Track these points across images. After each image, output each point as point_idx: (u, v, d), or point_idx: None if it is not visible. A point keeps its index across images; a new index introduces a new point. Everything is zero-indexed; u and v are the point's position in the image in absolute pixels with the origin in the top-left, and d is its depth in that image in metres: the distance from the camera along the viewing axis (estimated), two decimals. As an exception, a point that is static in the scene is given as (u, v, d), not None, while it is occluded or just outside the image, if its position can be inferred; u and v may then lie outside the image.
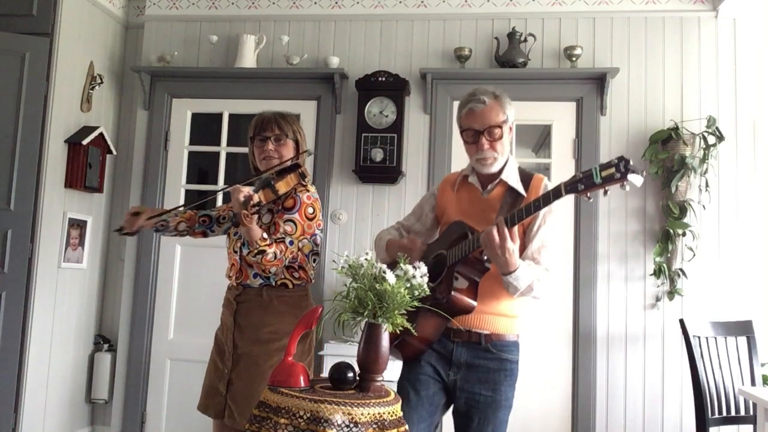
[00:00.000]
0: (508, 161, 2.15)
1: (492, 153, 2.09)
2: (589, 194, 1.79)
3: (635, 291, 3.60)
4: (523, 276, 1.94)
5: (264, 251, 2.20)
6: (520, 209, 1.90)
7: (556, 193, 1.84)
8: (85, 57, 3.99)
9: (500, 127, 2.09)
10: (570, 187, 1.81)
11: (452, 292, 1.97)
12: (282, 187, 2.26)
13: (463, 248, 1.99)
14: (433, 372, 2.11)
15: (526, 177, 2.15)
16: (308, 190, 2.35)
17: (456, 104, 3.80)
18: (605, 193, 1.77)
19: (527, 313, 2.20)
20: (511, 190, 2.11)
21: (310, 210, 2.32)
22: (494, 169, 2.12)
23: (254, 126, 2.42)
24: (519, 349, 2.17)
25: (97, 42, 4.11)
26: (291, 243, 2.27)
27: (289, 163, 2.37)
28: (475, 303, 2.02)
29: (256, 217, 2.22)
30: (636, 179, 1.72)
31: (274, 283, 2.33)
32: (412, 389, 2.09)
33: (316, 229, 2.36)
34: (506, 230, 1.87)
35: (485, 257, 1.97)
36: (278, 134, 2.38)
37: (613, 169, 1.73)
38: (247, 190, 2.17)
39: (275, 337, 2.30)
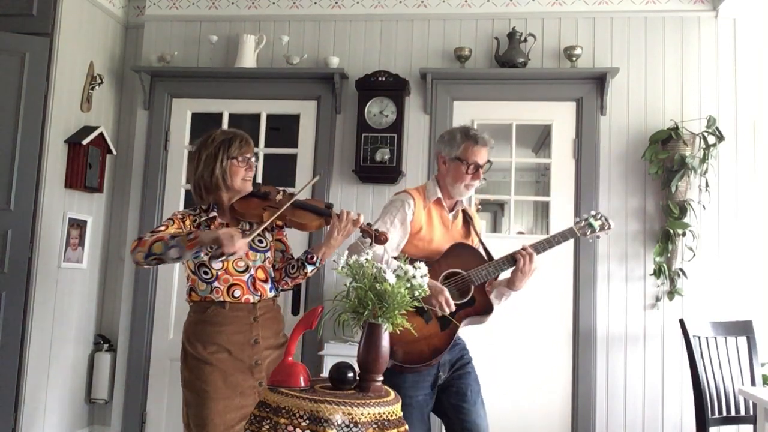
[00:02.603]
0: None
1: (478, 184, 2.50)
2: (589, 237, 2.51)
3: (635, 291, 3.60)
4: None
5: None
6: (542, 242, 2.43)
7: (572, 233, 2.47)
8: (85, 57, 3.99)
9: (489, 164, 2.52)
10: (582, 231, 2.49)
11: (493, 308, 2.42)
12: None
13: (490, 268, 2.40)
14: (428, 386, 2.38)
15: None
16: None
17: (456, 104, 3.87)
18: (599, 237, 2.55)
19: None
20: (466, 216, 2.58)
21: None
22: (467, 197, 2.58)
23: (237, 144, 2.36)
24: None
25: (97, 42, 4.11)
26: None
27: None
28: None
29: None
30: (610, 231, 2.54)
31: (278, 294, 2.46)
32: (417, 409, 2.34)
33: None
34: None
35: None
36: (255, 156, 2.47)
37: (601, 221, 2.51)
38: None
39: (285, 339, 2.44)
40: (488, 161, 2.49)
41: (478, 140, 2.45)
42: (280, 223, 2.43)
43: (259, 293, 2.34)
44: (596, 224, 2.48)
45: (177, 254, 2.15)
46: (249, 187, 2.40)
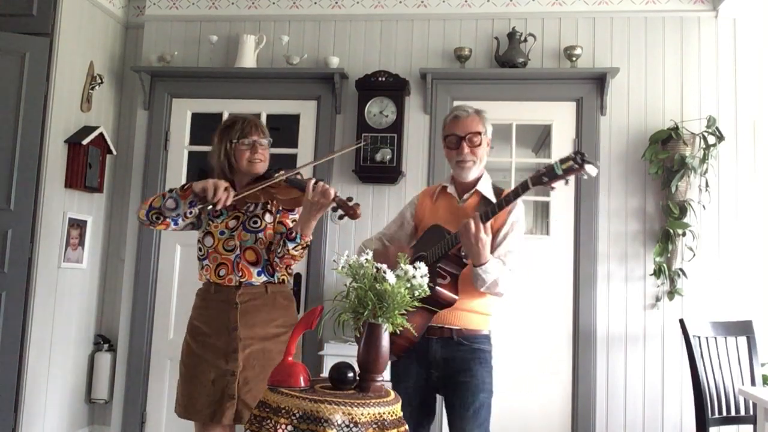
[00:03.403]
0: (483, 175, 2.41)
1: (471, 157, 2.34)
2: (553, 185, 2.02)
3: (635, 291, 3.60)
4: (492, 269, 2.16)
5: (308, 245, 2.34)
6: (493, 205, 2.16)
7: (524, 187, 2.06)
8: (85, 57, 3.99)
9: (479, 134, 2.35)
10: (536, 179, 2.05)
11: (436, 287, 2.11)
12: None
13: (442, 246, 2.19)
14: (418, 379, 2.30)
15: (497, 190, 2.40)
16: None
17: (456, 104, 3.85)
18: (566, 182, 2.02)
19: (499, 312, 2.39)
20: (485, 199, 2.36)
21: None
22: (472, 175, 2.37)
23: (237, 128, 2.43)
24: (491, 341, 2.37)
25: (97, 42, 4.11)
26: None
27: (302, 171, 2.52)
28: (456, 296, 2.19)
29: None
30: (591, 170, 1.97)
31: (276, 280, 2.42)
32: (405, 401, 2.21)
33: None
34: (481, 224, 2.10)
35: (463, 253, 2.19)
36: (269, 139, 2.48)
37: (571, 162, 1.98)
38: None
39: (284, 330, 2.39)
40: (476, 132, 2.33)
41: (453, 111, 2.43)
42: (288, 208, 2.44)
43: (241, 273, 2.35)
44: (560, 168, 1.98)
45: (173, 204, 2.32)
46: (258, 169, 2.43)
